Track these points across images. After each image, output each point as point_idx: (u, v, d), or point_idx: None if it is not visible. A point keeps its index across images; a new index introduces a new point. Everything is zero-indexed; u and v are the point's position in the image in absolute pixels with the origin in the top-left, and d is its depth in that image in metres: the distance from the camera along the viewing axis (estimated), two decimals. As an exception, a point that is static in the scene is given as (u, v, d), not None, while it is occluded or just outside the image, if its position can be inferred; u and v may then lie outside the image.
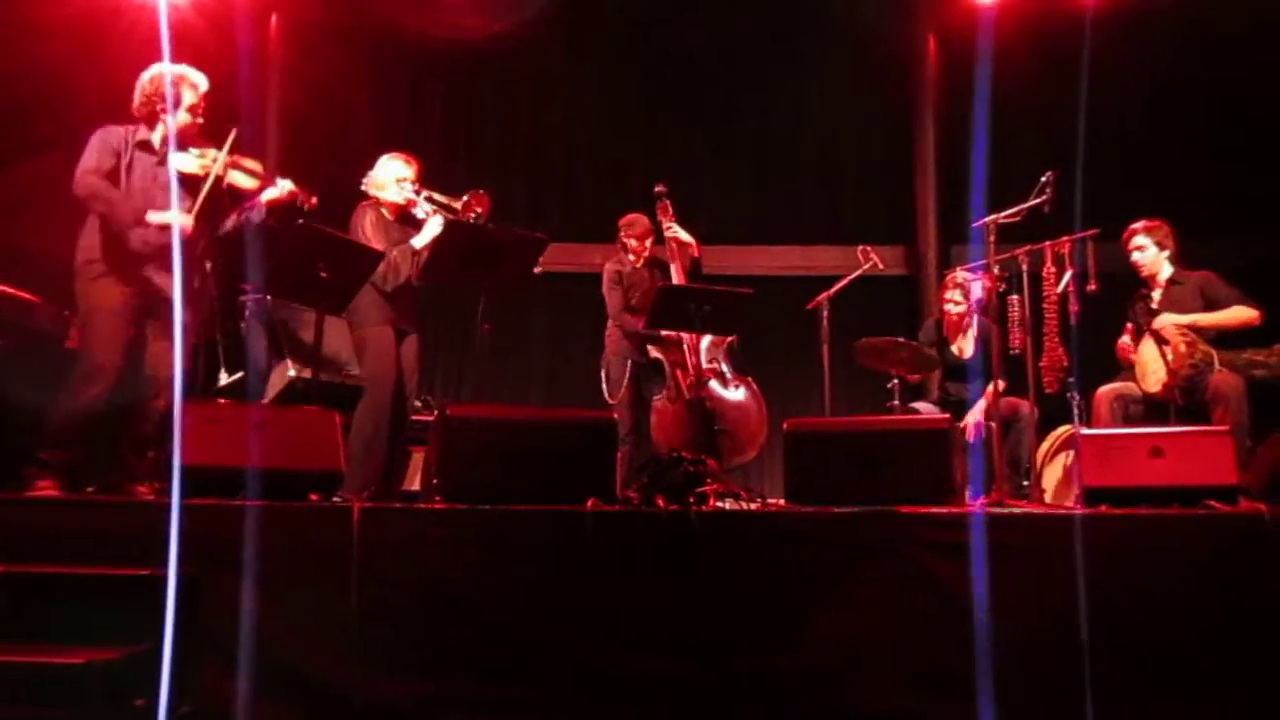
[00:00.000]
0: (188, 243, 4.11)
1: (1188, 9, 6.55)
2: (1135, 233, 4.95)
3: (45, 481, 3.82)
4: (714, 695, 3.14)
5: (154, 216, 4.08)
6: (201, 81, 4.25)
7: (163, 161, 4.16)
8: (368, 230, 4.58)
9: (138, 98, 4.20)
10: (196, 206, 4.13)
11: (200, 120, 4.26)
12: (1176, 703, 3.08)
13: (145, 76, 4.20)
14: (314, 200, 4.31)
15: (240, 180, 4.24)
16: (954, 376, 5.66)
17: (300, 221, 4.10)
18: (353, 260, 4.26)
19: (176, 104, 4.15)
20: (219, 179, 4.16)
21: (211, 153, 4.19)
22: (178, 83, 4.17)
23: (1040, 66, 6.75)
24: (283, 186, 4.30)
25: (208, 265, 5.55)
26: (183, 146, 4.19)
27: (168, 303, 4.06)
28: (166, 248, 4.08)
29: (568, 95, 8.03)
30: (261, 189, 4.28)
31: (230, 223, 4.33)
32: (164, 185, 4.14)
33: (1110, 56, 6.21)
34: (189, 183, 4.19)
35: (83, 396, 3.96)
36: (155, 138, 4.20)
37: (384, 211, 4.70)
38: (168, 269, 4.08)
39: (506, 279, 4.47)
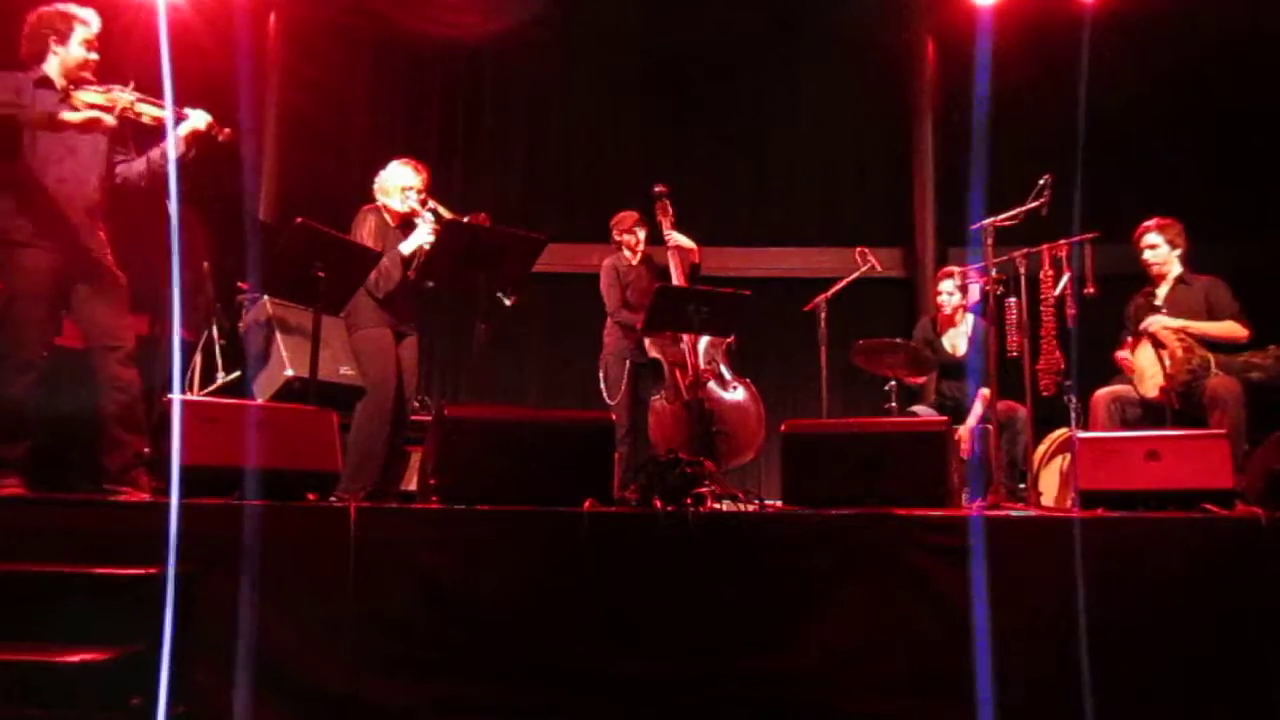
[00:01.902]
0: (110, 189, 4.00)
1: (1186, 11, 6.56)
2: (1148, 230, 4.93)
3: (11, 479, 3.68)
4: (712, 697, 3.14)
5: (80, 96, 3.85)
6: (92, 19, 4.01)
7: (65, 98, 3.90)
8: (366, 236, 4.56)
9: (24, 40, 3.97)
10: (115, 111, 3.89)
11: (95, 56, 4.00)
12: (1173, 705, 3.08)
13: (31, 18, 3.98)
14: (228, 131, 4.11)
15: (150, 110, 4.00)
16: (948, 375, 5.65)
17: (299, 220, 4.06)
18: (351, 260, 4.24)
19: (66, 38, 3.93)
20: (126, 109, 3.93)
21: (117, 87, 3.96)
22: (66, 19, 3.95)
23: (1039, 69, 6.76)
24: (199, 117, 4.06)
25: (205, 264, 5.60)
26: (81, 84, 3.96)
27: (99, 265, 3.95)
28: (91, 205, 3.95)
29: (566, 95, 8.04)
30: (177, 121, 4.02)
31: (143, 165, 4.09)
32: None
33: (1109, 59, 6.22)
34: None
35: (15, 388, 3.77)
36: (52, 71, 3.95)
37: (387, 217, 4.68)
38: (96, 227, 3.96)
39: (505, 280, 4.46)
